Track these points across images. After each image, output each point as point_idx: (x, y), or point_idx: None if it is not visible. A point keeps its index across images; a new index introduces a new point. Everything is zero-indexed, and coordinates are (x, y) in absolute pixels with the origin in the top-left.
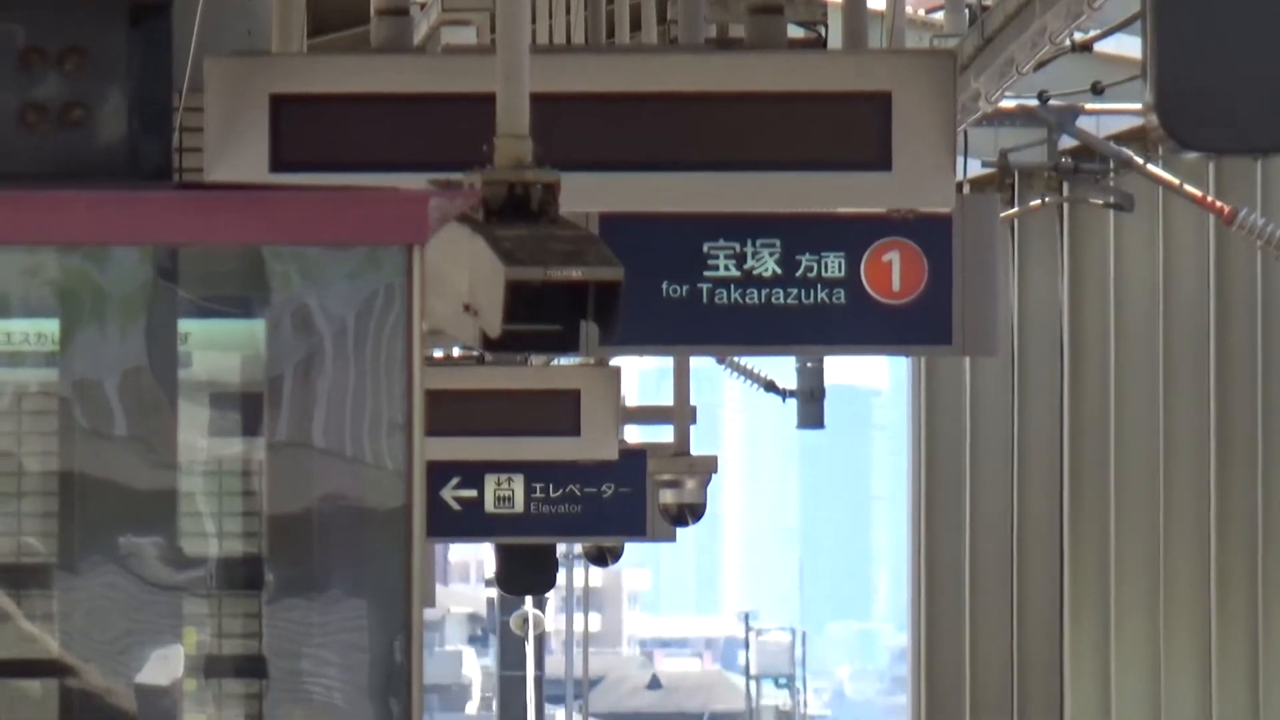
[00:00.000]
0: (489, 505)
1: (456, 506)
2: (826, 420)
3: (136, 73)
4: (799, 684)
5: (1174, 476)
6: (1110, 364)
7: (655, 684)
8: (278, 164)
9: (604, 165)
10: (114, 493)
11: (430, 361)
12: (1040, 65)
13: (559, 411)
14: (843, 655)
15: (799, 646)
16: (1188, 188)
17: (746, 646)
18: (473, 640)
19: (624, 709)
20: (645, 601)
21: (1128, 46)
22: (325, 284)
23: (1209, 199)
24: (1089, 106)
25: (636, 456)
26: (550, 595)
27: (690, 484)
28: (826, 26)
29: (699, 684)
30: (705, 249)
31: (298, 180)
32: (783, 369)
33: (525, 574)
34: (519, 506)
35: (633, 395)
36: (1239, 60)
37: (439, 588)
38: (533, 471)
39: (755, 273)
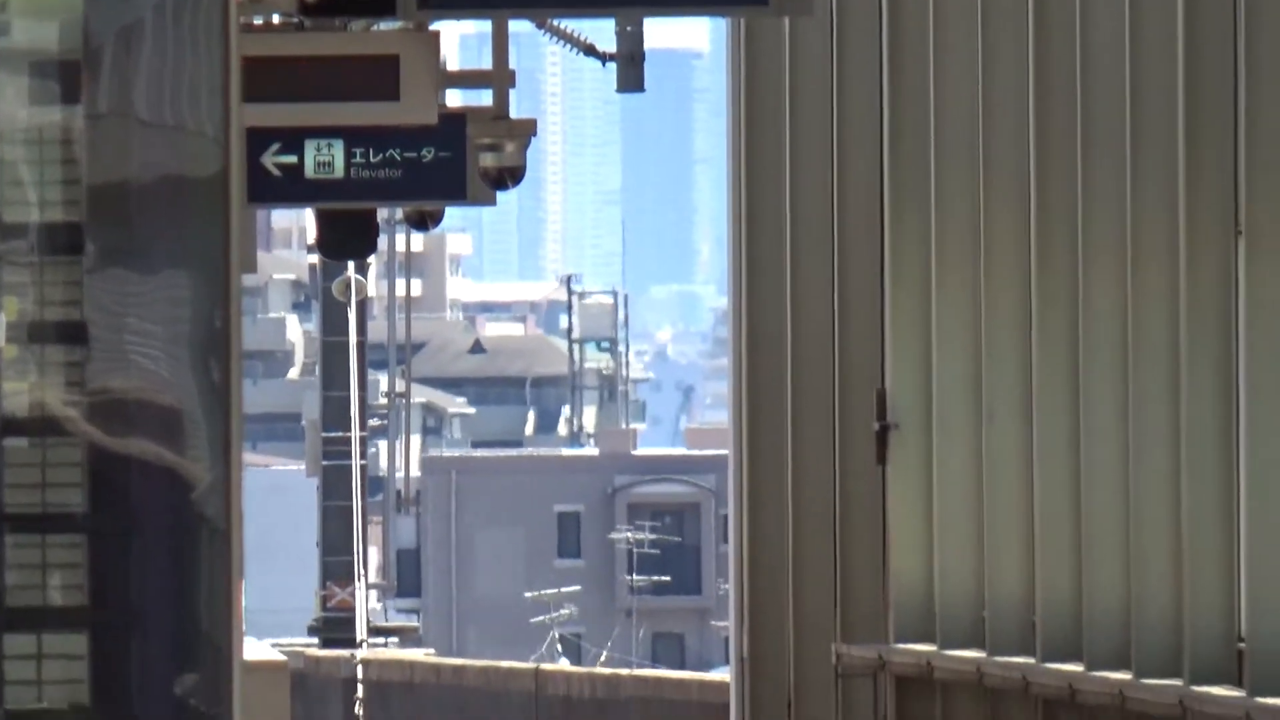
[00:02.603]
0: (309, 170)
1: (276, 172)
2: (648, 84)
3: None
4: (621, 347)
5: (993, 132)
6: (929, 26)
7: (478, 349)
8: None
9: None
10: None
11: (248, 28)
12: None
13: (378, 76)
14: (665, 318)
15: (621, 309)
16: None
17: (569, 310)
18: (296, 306)
19: (447, 374)
20: (468, 267)
21: None
22: None
23: None
24: None
25: (456, 121)
26: (372, 261)
27: (510, 147)
28: None
29: (522, 348)
30: None
31: None
32: (602, 33)
33: (346, 239)
34: (339, 171)
35: (453, 60)
36: None
37: (261, 254)
38: (352, 136)
39: None
